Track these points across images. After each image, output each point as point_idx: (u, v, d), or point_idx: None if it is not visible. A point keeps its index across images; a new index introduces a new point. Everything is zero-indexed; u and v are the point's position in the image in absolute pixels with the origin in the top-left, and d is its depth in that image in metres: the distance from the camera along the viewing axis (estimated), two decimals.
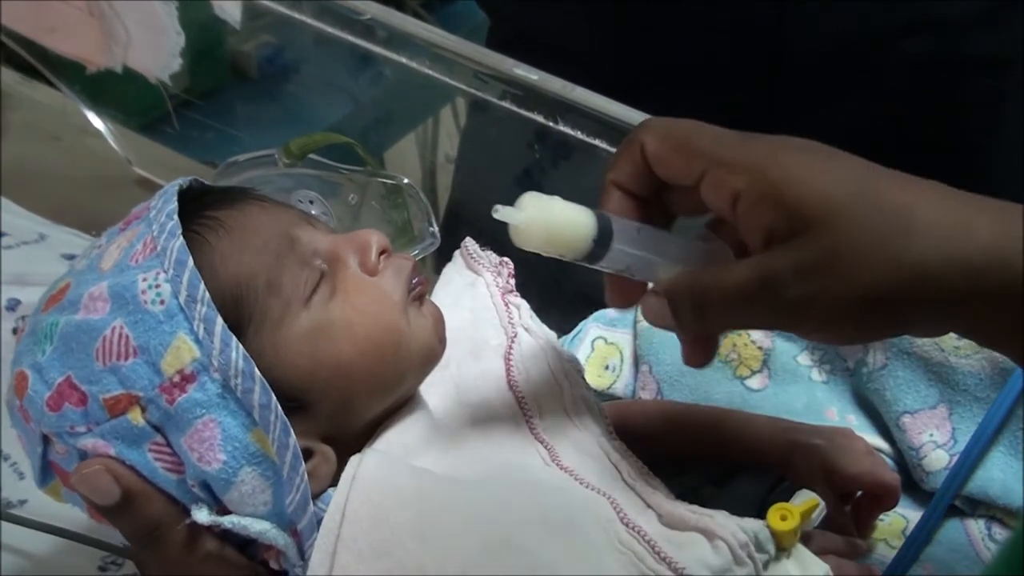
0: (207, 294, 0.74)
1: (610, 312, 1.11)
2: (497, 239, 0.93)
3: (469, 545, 0.71)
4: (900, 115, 1.26)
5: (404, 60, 1.14)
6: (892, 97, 1.26)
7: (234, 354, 0.73)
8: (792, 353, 1.02)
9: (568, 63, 1.11)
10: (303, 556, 0.75)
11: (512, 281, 0.91)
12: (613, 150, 1.04)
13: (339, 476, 0.76)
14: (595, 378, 1.07)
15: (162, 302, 0.73)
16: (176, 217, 0.77)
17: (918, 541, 0.93)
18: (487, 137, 1.37)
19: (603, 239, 0.73)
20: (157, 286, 0.73)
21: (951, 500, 0.94)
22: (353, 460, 0.76)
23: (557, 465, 0.78)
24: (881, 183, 0.68)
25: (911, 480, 0.97)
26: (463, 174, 1.52)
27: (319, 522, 0.74)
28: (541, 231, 0.71)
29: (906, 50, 1.23)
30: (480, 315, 0.89)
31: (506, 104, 1.11)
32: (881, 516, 0.93)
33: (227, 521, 0.73)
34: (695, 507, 0.75)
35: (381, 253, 0.83)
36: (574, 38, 1.31)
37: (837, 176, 0.68)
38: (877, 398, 0.99)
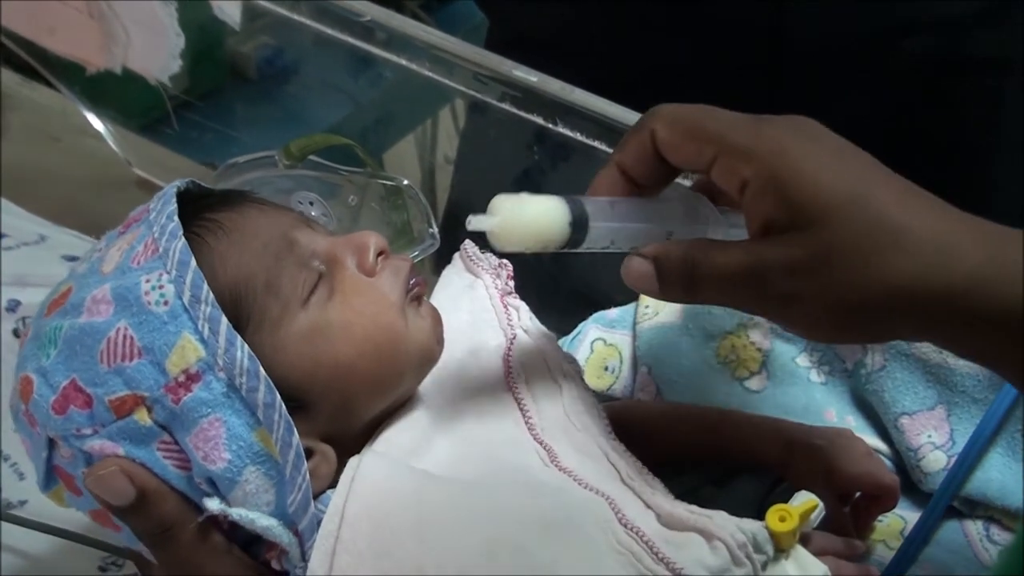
0: (211, 294, 0.74)
1: (609, 313, 1.11)
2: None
3: (468, 546, 0.71)
4: (901, 114, 1.26)
5: (403, 62, 1.15)
6: (893, 96, 1.27)
7: (239, 353, 0.73)
8: (791, 354, 1.02)
9: (567, 64, 1.12)
10: (304, 557, 0.75)
11: (511, 283, 0.91)
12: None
13: (339, 476, 0.76)
14: (594, 379, 1.07)
15: (166, 303, 0.73)
16: (176, 218, 0.77)
17: (916, 542, 0.94)
18: (486, 138, 1.37)
19: (580, 222, 0.75)
20: (160, 287, 0.74)
21: (949, 501, 0.95)
22: (352, 462, 0.77)
23: (556, 466, 0.78)
24: (881, 192, 0.69)
25: (909, 481, 0.97)
26: (462, 175, 1.52)
27: (319, 523, 0.74)
28: (518, 230, 0.73)
29: (907, 49, 1.23)
30: (479, 317, 0.89)
31: (505, 106, 1.11)
32: (880, 517, 0.93)
33: (235, 513, 0.73)
34: (694, 507, 0.75)
35: (379, 254, 0.83)
36: (573, 39, 1.31)
37: (840, 175, 0.69)
38: (876, 399, 0.99)
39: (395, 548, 0.71)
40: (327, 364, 0.78)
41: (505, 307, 0.89)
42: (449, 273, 0.94)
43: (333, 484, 0.77)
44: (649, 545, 0.72)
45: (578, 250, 0.77)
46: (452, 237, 1.08)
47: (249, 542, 0.77)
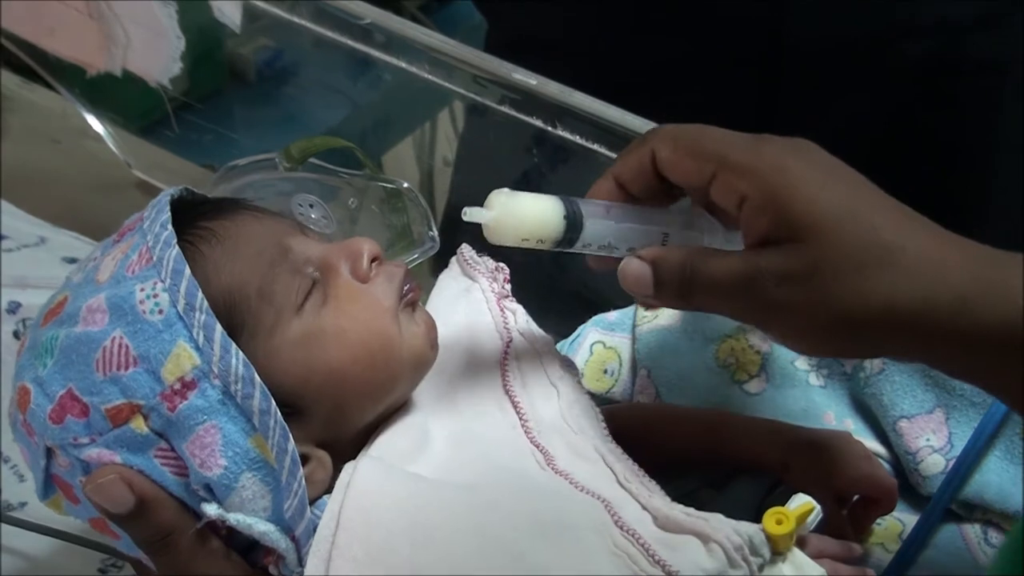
0: (205, 302, 0.74)
1: (609, 316, 1.11)
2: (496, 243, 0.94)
3: (463, 550, 0.72)
4: (899, 116, 1.26)
5: (403, 64, 1.15)
6: (892, 99, 1.27)
7: (234, 360, 0.73)
8: (790, 357, 1.03)
9: (566, 65, 1.12)
10: (301, 562, 0.75)
11: (508, 286, 0.91)
12: (612, 155, 1.05)
13: (335, 482, 0.76)
14: (594, 382, 1.07)
15: (160, 311, 0.73)
16: (170, 227, 0.77)
17: (915, 545, 0.94)
18: (485, 141, 1.37)
19: (574, 220, 0.77)
20: (155, 295, 0.74)
21: (948, 504, 0.95)
22: (347, 467, 0.77)
23: (552, 469, 0.79)
24: (874, 213, 0.71)
25: (908, 484, 0.97)
26: (461, 178, 1.52)
27: (315, 528, 0.74)
28: (513, 223, 0.75)
29: (906, 52, 1.24)
30: (475, 320, 0.89)
31: (504, 108, 1.11)
32: (878, 520, 0.94)
33: (233, 518, 0.73)
34: (690, 510, 0.75)
35: (373, 260, 0.83)
36: (572, 40, 1.31)
37: (834, 194, 0.71)
38: (874, 402, 0.99)
39: (390, 553, 0.71)
40: (321, 370, 0.78)
41: (502, 310, 0.89)
42: (446, 277, 0.94)
43: (329, 489, 0.77)
44: (645, 547, 0.72)
45: (572, 249, 0.78)
46: (451, 240, 1.08)
47: (247, 548, 0.77)
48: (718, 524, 0.73)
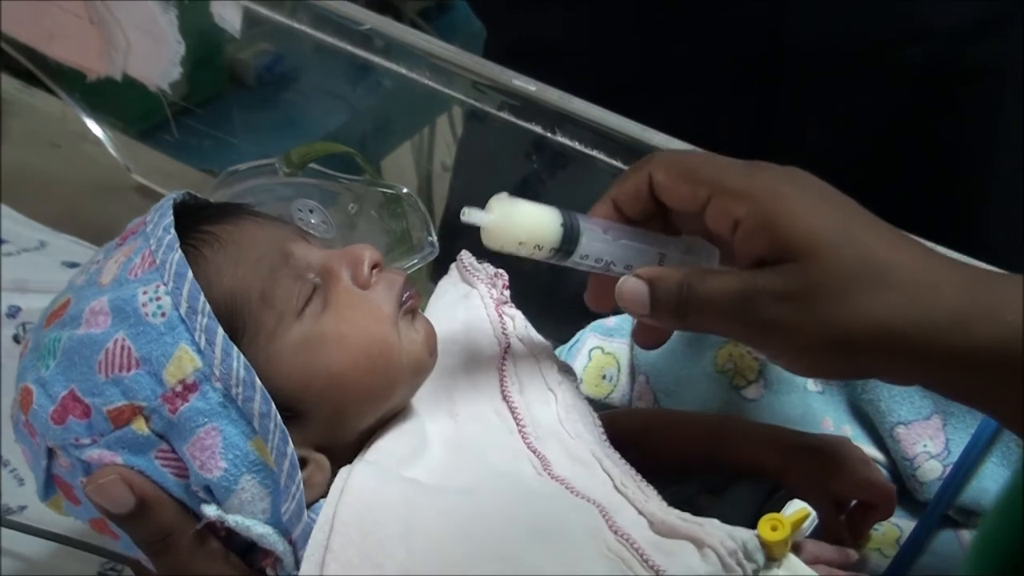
0: (207, 305, 0.75)
1: (607, 322, 1.11)
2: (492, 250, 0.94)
3: (455, 555, 0.72)
4: (899, 120, 1.27)
5: (402, 70, 1.15)
6: (891, 102, 1.27)
7: (235, 363, 0.74)
8: None
9: (565, 69, 1.12)
10: (298, 565, 0.75)
11: (507, 292, 0.92)
12: (610, 161, 1.05)
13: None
14: (592, 388, 1.07)
15: (163, 314, 0.74)
16: (173, 231, 0.78)
17: (912, 551, 0.94)
18: (484, 147, 1.37)
19: (572, 231, 0.77)
20: (157, 298, 0.74)
21: (944, 510, 0.95)
22: (343, 472, 0.77)
23: (549, 474, 0.79)
24: (868, 235, 0.71)
25: (905, 490, 0.97)
26: (460, 183, 1.52)
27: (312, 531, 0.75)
28: (511, 227, 0.76)
29: (906, 55, 1.24)
30: (474, 326, 0.89)
31: (504, 114, 1.11)
32: (875, 526, 0.94)
33: (231, 520, 0.74)
34: (686, 515, 0.75)
35: (373, 267, 0.83)
36: (571, 45, 1.31)
37: (828, 217, 0.72)
38: (872, 409, 0.99)
39: (384, 557, 0.72)
40: (321, 375, 0.79)
41: (500, 316, 0.89)
42: (445, 283, 0.95)
43: (326, 493, 0.77)
44: (639, 552, 0.72)
45: (568, 262, 0.78)
46: (450, 245, 1.08)
47: (245, 549, 0.78)
48: (713, 529, 0.73)
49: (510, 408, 0.84)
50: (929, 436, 0.97)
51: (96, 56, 1.29)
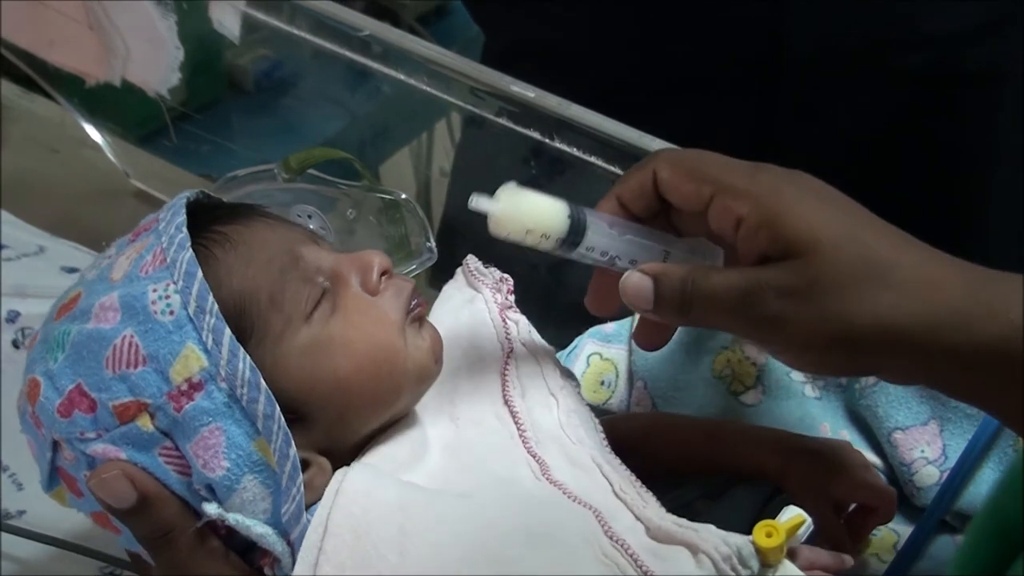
0: (216, 305, 0.75)
1: (606, 328, 1.11)
2: (493, 254, 0.94)
3: (449, 559, 0.72)
4: (899, 124, 1.27)
5: (401, 76, 1.15)
6: (891, 106, 1.27)
7: (241, 364, 0.74)
8: (786, 369, 1.03)
9: (565, 70, 1.12)
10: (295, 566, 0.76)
11: (511, 297, 0.92)
12: (608, 167, 1.05)
13: None
14: (590, 394, 1.07)
15: (171, 312, 0.74)
16: (185, 230, 0.78)
17: (909, 556, 0.94)
18: (483, 152, 1.37)
19: (578, 222, 0.78)
20: (167, 297, 0.75)
21: (942, 516, 0.95)
22: (338, 474, 0.77)
23: (547, 479, 0.79)
24: (870, 234, 0.72)
25: (902, 495, 0.98)
26: (458, 189, 1.52)
27: None
28: (519, 216, 0.76)
29: (903, 62, 1.24)
30: (478, 331, 0.90)
31: (502, 120, 1.11)
32: (873, 531, 0.94)
33: (232, 518, 0.74)
34: (682, 521, 0.75)
35: (383, 274, 0.84)
36: (570, 45, 1.31)
37: (830, 216, 0.72)
38: (869, 414, 0.99)
39: (377, 560, 0.72)
40: (326, 379, 0.79)
41: (504, 321, 0.90)
42: (450, 288, 0.95)
43: None
44: (633, 558, 0.72)
45: (574, 254, 0.79)
46: (449, 251, 1.08)
47: (245, 549, 0.78)
48: (708, 535, 0.73)
49: (511, 412, 0.84)
50: (926, 442, 0.97)
51: (95, 62, 1.29)
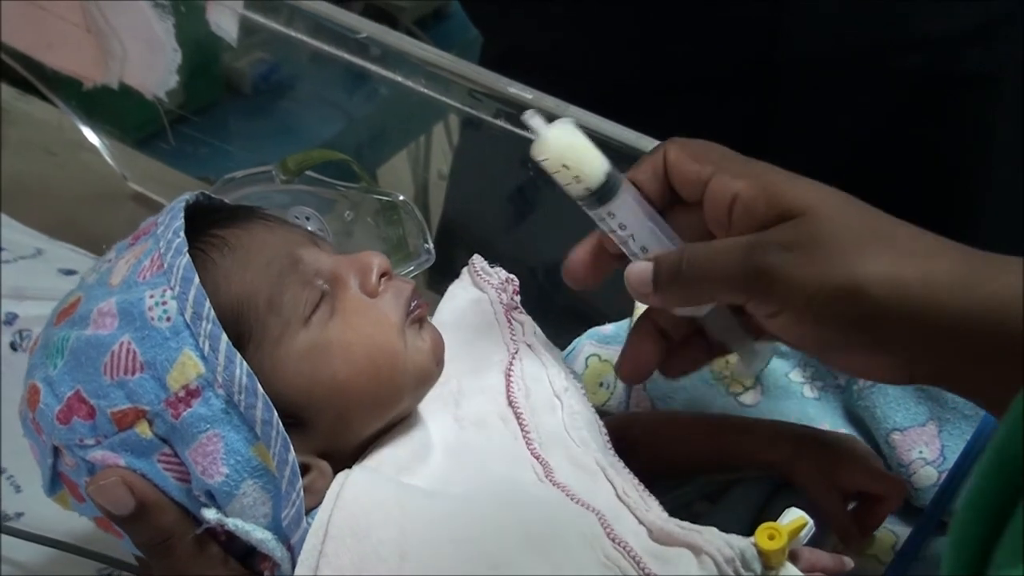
0: (212, 311, 0.75)
1: (604, 329, 1.11)
2: (491, 256, 0.94)
3: (450, 561, 0.72)
4: (896, 126, 1.27)
5: (398, 78, 1.15)
6: (889, 111, 1.28)
7: (238, 370, 0.74)
8: (784, 370, 1.03)
9: (564, 71, 1.12)
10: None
11: (517, 298, 0.92)
12: None
13: None
14: (590, 395, 1.06)
15: (168, 319, 0.74)
16: (182, 234, 0.78)
17: (908, 557, 0.94)
18: (480, 155, 1.38)
19: (612, 184, 0.79)
20: (164, 303, 0.75)
21: (940, 516, 0.95)
22: (339, 477, 0.77)
23: (550, 481, 0.79)
24: (860, 207, 0.74)
25: None
26: (456, 191, 1.52)
27: None
28: (564, 148, 0.77)
29: (903, 65, 1.24)
30: (482, 331, 0.89)
31: (500, 122, 1.11)
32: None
33: (231, 523, 0.74)
34: (685, 523, 0.76)
35: (382, 275, 0.84)
36: (569, 46, 1.31)
37: (827, 192, 0.74)
38: (867, 415, 0.99)
39: (378, 562, 0.72)
40: (325, 383, 0.79)
41: (509, 321, 0.90)
42: (455, 288, 0.95)
43: None
44: (636, 560, 0.72)
45: (598, 211, 0.80)
46: (447, 252, 1.08)
47: (245, 554, 0.78)
48: (711, 537, 0.73)
49: (515, 414, 0.84)
50: (924, 442, 0.97)
51: (93, 64, 1.29)
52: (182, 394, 0.74)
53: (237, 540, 0.76)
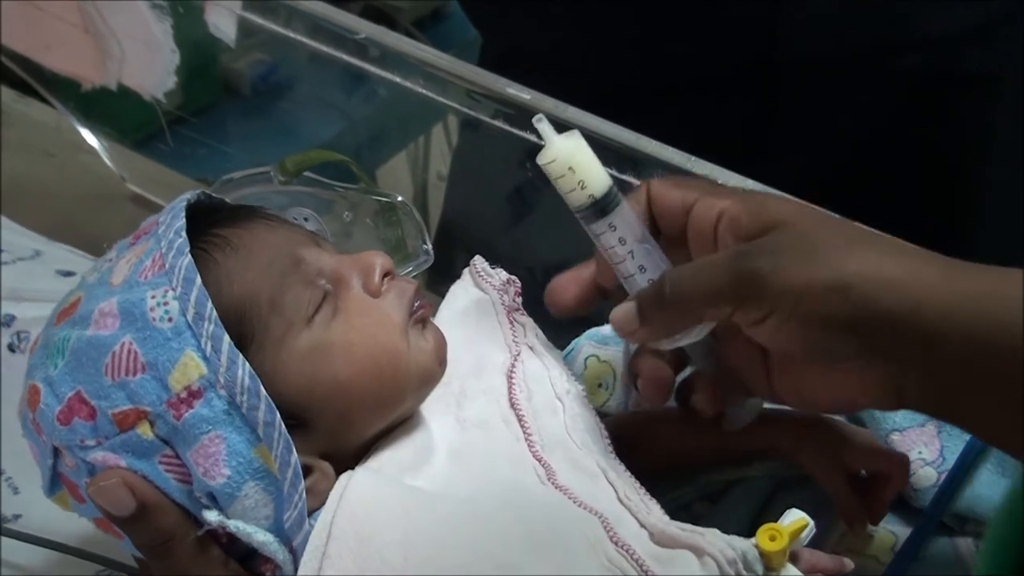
0: (214, 312, 0.75)
1: (603, 330, 1.11)
2: (490, 256, 0.94)
3: (452, 563, 0.72)
4: (895, 127, 1.27)
5: (397, 79, 1.15)
6: (888, 111, 1.28)
7: (240, 372, 0.74)
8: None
9: (561, 77, 1.12)
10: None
11: (519, 299, 0.91)
12: (606, 169, 1.05)
13: None
14: (589, 396, 1.06)
15: (170, 319, 0.74)
16: (184, 234, 0.78)
17: (907, 558, 0.94)
18: (479, 155, 1.37)
19: (614, 196, 0.80)
20: (165, 303, 0.74)
21: (940, 517, 0.95)
22: (342, 478, 0.77)
23: (553, 484, 0.79)
24: (839, 222, 0.76)
25: (900, 497, 0.97)
26: (455, 192, 1.52)
27: None
28: (571, 155, 0.79)
29: (899, 67, 1.24)
30: (484, 333, 0.89)
31: (498, 123, 1.11)
32: (870, 532, 0.94)
33: (233, 525, 0.74)
34: (687, 525, 0.75)
35: (385, 275, 0.84)
36: (569, 46, 1.31)
37: (805, 206, 0.77)
38: (866, 415, 0.99)
39: (381, 564, 0.72)
40: (328, 383, 0.79)
41: (511, 323, 0.89)
42: (457, 288, 0.95)
43: None
44: (638, 563, 0.72)
45: (597, 224, 0.80)
46: (444, 253, 1.08)
47: (246, 556, 0.78)
48: (713, 538, 0.73)
49: (517, 416, 0.83)
50: (924, 443, 0.97)
51: (91, 66, 1.29)
52: (184, 395, 0.73)
53: (238, 542, 0.76)
